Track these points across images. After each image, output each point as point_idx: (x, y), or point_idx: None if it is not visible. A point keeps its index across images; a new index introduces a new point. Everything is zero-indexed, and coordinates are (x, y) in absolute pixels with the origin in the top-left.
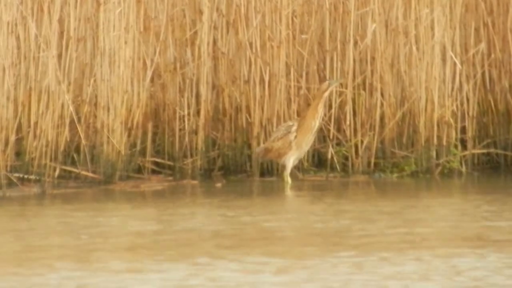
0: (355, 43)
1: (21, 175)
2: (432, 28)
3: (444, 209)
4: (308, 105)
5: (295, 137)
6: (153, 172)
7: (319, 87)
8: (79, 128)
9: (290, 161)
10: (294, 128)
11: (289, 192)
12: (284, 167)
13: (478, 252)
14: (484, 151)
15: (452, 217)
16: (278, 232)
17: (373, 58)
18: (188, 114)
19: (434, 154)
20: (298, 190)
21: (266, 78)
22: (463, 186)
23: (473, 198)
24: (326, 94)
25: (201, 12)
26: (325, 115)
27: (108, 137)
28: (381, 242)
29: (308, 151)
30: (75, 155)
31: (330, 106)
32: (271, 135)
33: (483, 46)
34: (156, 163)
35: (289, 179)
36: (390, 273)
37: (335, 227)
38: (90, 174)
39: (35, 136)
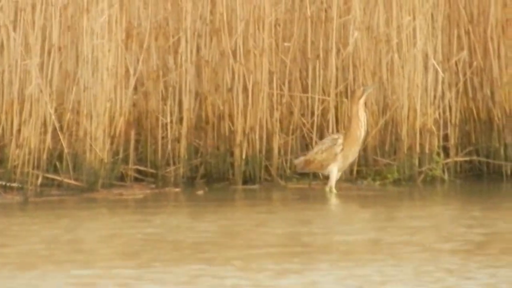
0: (338, 51)
1: (3, 183)
2: (414, 36)
3: (425, 216)
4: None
5: (342, 149)
6: (136, 180)
7: (352, 94)
8: (61, 136)
9: (335, 172)
10: (340, 141)
11: (333, 199)
12: (329, 179)
13: (460, 258)
14: (467, 158)
15: (433, 225)
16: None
17: (355, 66)
18: (171, 122)
19: (416, 161)
20: (282, 198)
21: (249, 86)
22: (446, 193)
23: (455, 205)
24: (362, 100)
25: (184, 20)
26: (307, 122)
27: (90, 145)
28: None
29: (290, 159)
30: (57, 163)
31: (312, 114)
32: (313, 148)
33: (465, 54)
34: (139, 171)
35: (333, 190)
36: (350, 277)
37: (316, 236)
38: (73, 182)
39: (17, 144)
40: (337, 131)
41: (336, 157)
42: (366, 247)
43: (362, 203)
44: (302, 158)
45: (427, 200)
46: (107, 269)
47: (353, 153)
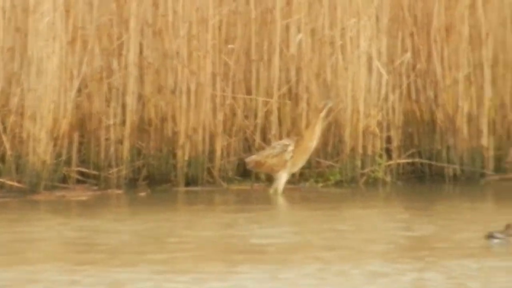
0: (281, 52)
1: None
2: (358, 38)
3: (365, 218)
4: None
5: (292, 157)
6: (78, 181)
7: (315, 108)
8: (4, 138)
9: (283, 178)
10: (291, 148)
11: (275, 202)
12: (276, 182)
13: (385, 260)
14: (409, 160)
15: (372, 226)
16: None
17: (299, 68)
18: (114, 123)
19: (359, 163)
20: (223, 201)
21: (192, 88)
22: (387, 196)
23: (396, 207)
24: (323, 114)
25: (128, 22)
26: (250, 124)
27: (33, 147)
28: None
29: (233, 161)
30: (0, 165)
31: (256, 116)
32: (264, 150)
33: (408, 56)
34: (82, 173)
35: (278, 192)
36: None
37: (244, 238)
38: (15, 184)
39: None
40: (288, 136)
41: (286, 164)
42: (294, 249)
43: (302, 205)
44: (253, 158)
45: (366, 202)
46: (27, 273)
47: (302, 161)
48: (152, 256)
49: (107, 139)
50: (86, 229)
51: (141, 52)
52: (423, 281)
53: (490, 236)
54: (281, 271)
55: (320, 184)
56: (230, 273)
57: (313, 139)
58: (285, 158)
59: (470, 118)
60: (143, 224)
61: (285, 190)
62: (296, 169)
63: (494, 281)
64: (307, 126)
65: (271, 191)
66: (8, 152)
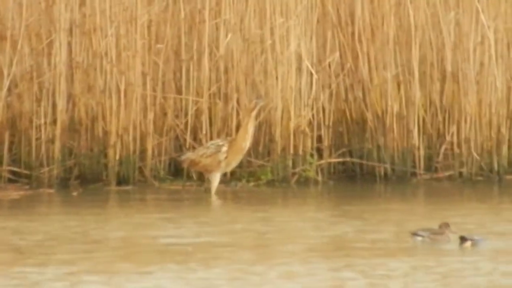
0: (211, 52)
1: None
2: (288, 38)
3: (292, 217)
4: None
5: (226, 157)
6: (10, 181)
7: (245, 107)
8: None
9: (217, 177)
10: (225, 148)
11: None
12: (210, 181)
13: (298, 259)
14: (340, 160)
15: (296, 226)
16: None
17: (228, 68)
18: (45, 123)
19: (290, 163)
20: (155, 200)
21: (122, 88)
22: (319, 194)
23: (324, 207)
24: (254, 113)
25: (57, 22)
26: (180, 123)
27: None
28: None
29: (164, 160)
30: None
31: (186, 115)
32: (198, 149)
33: (337, 56)
34: (13, 172)
35: (213, 191)
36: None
37: (155, 239)
38: None
39: None
40: (221, 136)
41: (220, 164)
42: (211, 249)
43: (232, 205)
44: (188, 156)
45: (296, 202)
46: None
47: (236, 161)
48: (63, 256)
49: (38, 139)
50: (9, 228)
51: (70, 52)
52: (342, 280)
53: (414, 234)
54: (196, 272)
55: (252, 184)
56: (142, 274)
57: (246, 139)
58: (219, 158)
59: (399, 118)
60: (65, 223)
61: (217, 189)
62: (230, 169)
63: (412, 281)
64: (239, 126)
65: (204, 190)
66: None
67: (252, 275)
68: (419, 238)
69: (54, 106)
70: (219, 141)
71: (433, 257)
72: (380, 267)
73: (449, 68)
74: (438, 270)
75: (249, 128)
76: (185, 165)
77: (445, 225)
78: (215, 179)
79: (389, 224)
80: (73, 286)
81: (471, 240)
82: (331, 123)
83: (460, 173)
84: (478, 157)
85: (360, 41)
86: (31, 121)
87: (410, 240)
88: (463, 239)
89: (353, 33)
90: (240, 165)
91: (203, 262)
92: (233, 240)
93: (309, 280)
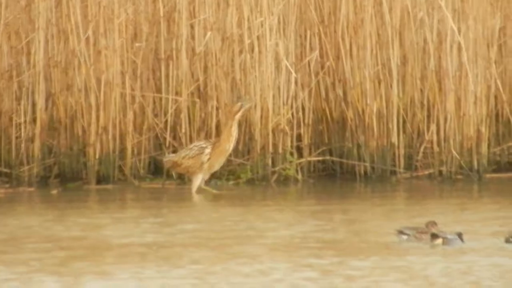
0: (190, 51)
1: None
2: (266, 37)
3: (268, 217)
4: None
5: (208, 159)
6: None
7: (230, 109)
8: None
9: (199, 179)
10: (208, 150)
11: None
12: (191, 182)
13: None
14: (320, 158)
15: (281, 223)
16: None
17: (207, 67)
18: (25, 122)
19: (270, 161)
20: (135, 199)
21: (101, 86)
22: (298, 193)
23: (306, 205)
24: (238, 116)
25: (36, 21)
26: (160, 122)
27: None
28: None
29: (144, 159)
30: None
31: (165, 114)
32: (180, 151)
33: (316, 54)
34: None
35: (193, 190)
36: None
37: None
38: None
39: None
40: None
41: (202, 166)
42: (175, 248)
43: (210, 204)
44: (171, 158)
45: (275, 201)
46: None
47: (219, 163)
48: (17, 256)
49: (17, 137)
50: None
51: (49, 50)
52: (300, 280)
53: (399, 232)
54: (154, 272)
55: (231, 182)
56: (98, 273)
57: (230, 141)
58: (202, 160)
59: (379, 116)
60: (28, 223)
61: (197, 188)
62: (212, 171)
63: (380, 280)
64: (218, 125)
65: (186, 190)
66: None
67: (210, 275)
68: (404, 237)
69: (33, 104)
70: (202, 143)
71: (398, 256)
72: (344, 267)
73: (429, 67)
74: (402, 269)
75: (233, 131)
76: (167, 167)
77: (432, 224)
78: (197, 181)
79: (367, 223)
80: (24, 286)
81: (443, 237)
82: (311, 122)
83: (440, 172)
84: (457, 156)
85: (343, 39)
86: (11, 120)
87: (396, 238)
88: (434, 236)
89: (335, 31)
90: None
91: (163, 261)
92: (198, 239)
93: (267, 279)
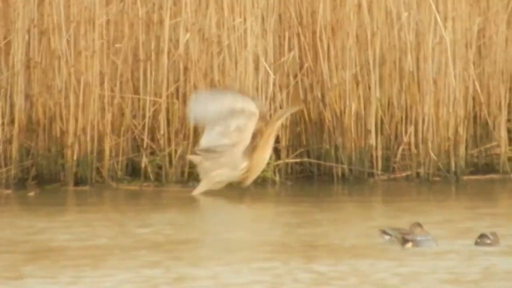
0: (169, 52)
1: None
2: (245, 38)
3: (253, 217)
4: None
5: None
6: None
7: (274, 114)
8: None
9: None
10: (244, 165)
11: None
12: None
13: (281, 259)
14: (298, 160)
15: (259, 226)
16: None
17: (186, 68)
18: (2, 123)
19: None
20: (112, 200)
21: (80, 88)
22: (276, 195)
23: (284, 207)
24: (280, 122)
25: (15, 21)
26: (138, 123)
27: None
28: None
29: (121, 160)
30: None
31: (144, 115)
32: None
33: (294, 54)
34: None
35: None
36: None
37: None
38: None
39: None
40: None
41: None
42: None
43: (185, 205)
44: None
45: (253, 202)
46: None
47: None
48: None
49: None
50: None
51: (28, 51)
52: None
53: (383, 232)
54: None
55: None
56: (43, 278)
57: (266, 153)
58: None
59: (358, 118)
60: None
61: (173, 190)
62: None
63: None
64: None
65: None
66: None
67: (175, 279)
68: (387, 237)
69: (12, 106)
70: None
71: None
72: (311, 270)
73: (407, 68)
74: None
75: (271, 140)
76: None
77: (416, 226)
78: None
79: (344, 224)
80: None
81: (412, 240)
82: (288, 123)
83: (418, 174)
84: (435, 158)
85: (321, 40)
86: None
87: (379, 238)
88: (404, 240)
89: (314, 32)
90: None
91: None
92: (162, 242)
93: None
